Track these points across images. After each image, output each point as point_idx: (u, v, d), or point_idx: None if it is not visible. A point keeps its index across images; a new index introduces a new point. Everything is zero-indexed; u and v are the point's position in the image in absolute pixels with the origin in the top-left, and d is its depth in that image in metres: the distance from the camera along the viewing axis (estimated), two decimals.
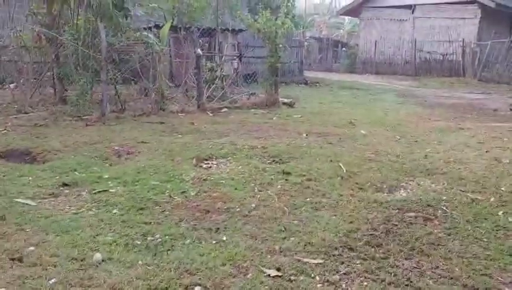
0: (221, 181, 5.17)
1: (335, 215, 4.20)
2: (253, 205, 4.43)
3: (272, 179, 5.29)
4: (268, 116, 9.77)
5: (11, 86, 11.09)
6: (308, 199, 4.64)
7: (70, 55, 9.32)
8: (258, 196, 4.74)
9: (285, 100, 11.48)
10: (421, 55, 24.39)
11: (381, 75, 24.21)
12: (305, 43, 25.78)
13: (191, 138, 7.26)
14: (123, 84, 10.43)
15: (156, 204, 4.46)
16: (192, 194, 4.77)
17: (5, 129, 7.45)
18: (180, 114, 9.60)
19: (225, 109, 10.30)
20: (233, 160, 6.10)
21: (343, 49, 28.99)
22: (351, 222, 4.05)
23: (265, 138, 7.39)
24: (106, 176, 5.22)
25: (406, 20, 25.55)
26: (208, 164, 6.03)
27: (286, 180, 5.24)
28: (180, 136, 7.50)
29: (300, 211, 4.33)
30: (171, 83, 12.65)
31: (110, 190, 4.80)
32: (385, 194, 4.91)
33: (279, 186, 5.03)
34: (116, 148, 6.54)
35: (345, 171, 5.54)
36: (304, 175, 5.39)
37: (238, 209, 4.33)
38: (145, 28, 12.32)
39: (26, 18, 10.87)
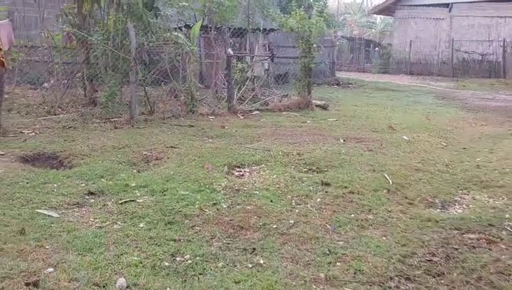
0: (255, 192, 4.78)
1: (385, 236, 3.73)
2: (292, 221, 4.02)
3: (310, 190, 4.86)
4: (302, 119, 9.33)
5: (43, 85, 11.02)
6: (352, 215, 4.18)
7: (100, 56, 9.10)
8: (296, 210, 4.32)
9: (319, 102, 11.01)
10: (458, 55, 23.43)
11: (416, 76, 23.37)
12: (337, 43, 25.18)
13: (222, 143, 6.91)
14: (152, 85, 10.20)
15: (186, 217, 4.10)
16: (224, 206, 4.39)
17: (33, 131, 7.27)
18: (210, 117, 9.28)
19: (256, 112, 9.93)
20: (267, 168, 5.70)
21: (376, 49, 28.18)
22: (404, 245, 3.57)
23: (299, 144, 6.97)
24: (133, 184, 4.90)
25: (443, 18, 24.60)
26: (240, 171, 5.66)
27: (326, 192, 4.80)
28: (210, 140, 7.16)
29: (345, 229, 3.88)
30: (201, 84, 12.38)
31: (137, 200, 4.48)
32: (438, 210, 4.41)
33: (318, 199, 4.59)
34: (145, 153, 6.24)
35: (391, 182, 5.05)
36: (346, 187, 4.93)
37: (275, 226, 3.92)
38: (175, 28, 12.04)
39: (56, 18, 10.75)
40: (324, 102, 11.10)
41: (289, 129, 8.13)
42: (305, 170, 5.69)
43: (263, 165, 5.79)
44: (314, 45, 10.40)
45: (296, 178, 5.23)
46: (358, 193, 4.76)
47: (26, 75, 11.56)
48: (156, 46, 10.15)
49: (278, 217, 4.13)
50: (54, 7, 11.34)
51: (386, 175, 5.32)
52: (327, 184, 5.03)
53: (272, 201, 4.52)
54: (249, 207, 4.36)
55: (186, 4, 11.04)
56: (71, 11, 10.34)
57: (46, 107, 9.32)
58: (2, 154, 5.88)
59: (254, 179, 5.28)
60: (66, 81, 10.36)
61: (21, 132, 7.11)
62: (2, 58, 6.24)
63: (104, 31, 9.38)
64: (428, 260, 3.34)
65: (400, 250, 3.48)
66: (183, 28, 12.76)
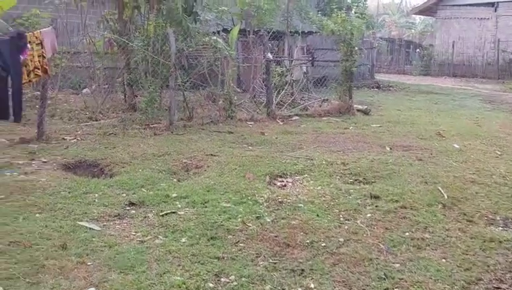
0: (300, 205, 4.55)
1: (445, 259, 3.43)
2: (341, 240, 3.77)
3: (358, 204, 4.59)
4: (344, 125, 9.02)
5: (84, 91, 11.19)
6: (407, 234, 3.89)
7: (140, 62, 9.11)
8: (345, 226, 4.06)
9: (360, 107, 10.66)
10: (504, 56, 22.37)
11: (460, 78, 22.49)
12: (376, 44, 24.57)
13: (262, 151, 6.72)
14: (190, 89, 10.16)
15: (229, 232, 3.92)
16: (268, 220, 4.19)
17: (75, 138, 7.31)
18: (248, 122, 9.11)
19: (296, 117, 9.69)
20: (311, 178, 5.46)
21: (417, 50, 27.31)
22: (467, 269, 3.26)
23: (343, 152, 6.69)
24: (174, 195, 4.77)
25: (488, 18, 23.58)
26: (282, 181, 5.45)
27: (376, 206, 4.52)
28: (250, 148, 6.98)
29: (400, 249, 3.60)
30: (238, 87, 12.25)
31: (178, 212, 4.34)
32: (500, 228, 4.05)
33: (368, 215, 4.32)
34: (184, 161, 6.14)
35: (446, 197, 4.71)
36: (397, 201, 4.63)
37: (323, 244, 3.69)
38: (214, 32, 11.98)
39: (98, 25, 10.88)
40: (366, 106, 10.73)
41: (331, 136, 7.85)
42: (351, 181, 5.42)
43: (306, 175, 5.56)
44: (356, 48, 10.06)
45: (343, 190, 4.97)
46: (411, 208, 4.45)
47: (68, 80, 11.77)
48: (195, 51, 10.11)
49: (326, 233, 3.89)
50: (95, 13, 11.49)
51: (439, 188, 4.98)
52: (376, 197, 4.75)
53: (318, 215, 4.28)
54: (294, 222, 4.14)
55: (225, 8, 10.96)
56: (112, 17, 10.45)
57: (87, 113, 9.42)
58: (45, 162, 5.91)
59: (298, 190, 5.06)
60: (106, 86, 10.47)
61: (63, 139, 7.15)
62: (45, 66, 6.28)
63: (144, 36, 9.39)
64: (496, 288, 3.02)
65: (463, 275, 3.17)
66: (222, 32, 12.70)
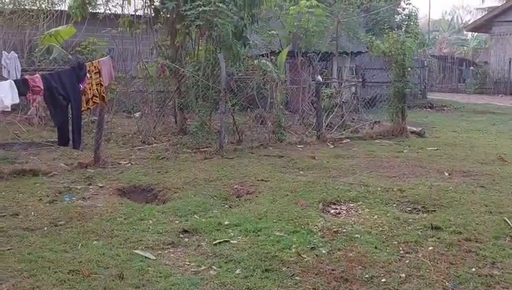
0: (356, 235, 4.39)
1: None
2: (403, 275, 3.57)
3: (418, 235, 4.37)
4: (398, 148, 8.73)
5: (137, 115, 11.52)
6: (473, 270, 3.64)
7: (191, 86, 9.30)
8: (406, 260, 3.86)
9: (414, 129, 10.31)
10: None
11: None
12: (426, 63, 23.92)
13: (314, 176, 6.59)
14: (239, 111, 10.24)
15: (283, 264, 3.82)
16: (324, 252, 4.05)
17: (129, 162, 7.49)
18: (298, 146, 9.02)
19: (347, 140, 9.49)
20: (366, 206, 5.28)
21: (471, 68, 26.34)
22: None
23: (399, 177, 6.45)
24: (226, 222, 4.74)
25: None
26: (336, 209, 5.30)
27: (438, 238, 4.28)
28: (301, 173, 6.88)
29: (467, 287, 3.37)
30: (286, 109, 12.21)
31: (231, 241, 4.30)
32: None
33: (430, 248, 4.09)
34: (236, 187, 6.12)
35: None
36: (460, 232, 4.38)
37: (383, 280, 3.51)
38: (262, 55, 12.09)
39: (151, 51, 11.25)
40: (420, 128, 10.38)
41: (385, 160, 7.61)
42: (409, 209, 5.19)
43: (361, 203, 5.38)
44: (409, 69, 9.79)
45: (401, 220, 4.76)
46: (476, 241, 4.18)
47: (122, 104, 12.18)
48: (244, 74, 10.21)
49: (386, 268, 3.71)
50: (148, 39, 11.90)
51: (506, 219, 4.67)
52: (437, 228, 4.50)
53: (376, 247, 4.10)
54: (351, 254, 3.99)
55: (275, 33, 11.03)
56: (164, 44, 10.78)
57: (140, 137, 9.67)
58: (102, 187, 6.07)
59: (353, 219, 4.89)
60: (158, 109, 10.75)
61: (118, 163, 7.35)
62: (103, 94, 6.52)
63: (195, 61, 9.60)
64: None
65: None
66: (269, 55, 12.78)
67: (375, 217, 4.89)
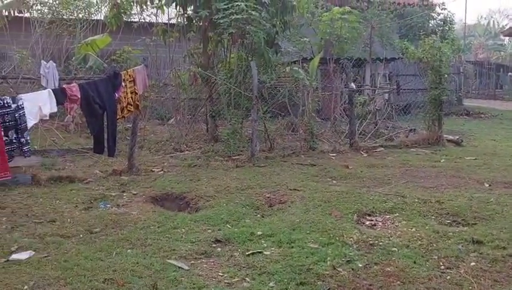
0: (394, 249, 4.25)
1: None
2: None
3: (459, 250, 4.20)
4: (434, 157, 8.48)
5: (170, 122, 11.65)
6: None
7: (223, 94, 9.32)
8: (447, 276, 3.70)
9: (451, 137, 10.01)
10: None
11: None
12: (462, 69, 23.29)
13: (348, 186, 6.47)
14: (271, 118, 10.20)
15: (318, 277, 3.73)
16: (360, 265, 3.93)
17: (162, 169, 7.55)
18: (331, 154, 8.90)
19: (381, 148, 9.30)
20: (403, 218, 5.12)
21: (509, 74, 25.46)
22: None
23: (437, 188, 6.24)
24: (259, 233, 4.69)
25: None
26: (372, 220, 5.16)
27: (480, 253, 4.10)
28: (334, 182, 6.76)
29: None
30: (318, 116, 12.10)
31: (265, 252, 4.24)
32: None
33: (472, 263, 3.91)
34: (268, 195, 6.06)
35: None
36: (504, 247, 4.18)
37: None
38: (294, 62, 12.03)
39: (184, 59, 11.37)
40: (457, 137, 10.06)
41: (421, 169, 7.40)
42: (449, 222, 5.00)
43: (398, 215, 5.22)
44: (446, 75, 9.52)
45: (440, 233, 4.58)
46: None
47: (155, 111, 12.35)
48: (276, 81, 10.17)
49: (426, 284, 3.56)
50: (180, 46, 12.05)
51: None
52: (479, 242, 4.31)
53: (415, 262, 3.96)
54: (388, 269, 3.85)
55: (307, 39, 10.96)
56: (197, 52, 10.87)
57: (172, 144, 9.76)
58: (135, 194, 6.14)
59: (389, 231, 4.74)
60: (189, 116, 10.84)
61: (151, 171, 7.42)
62: (137, 102, 6.60)
63: (227, 69, 9.63)
64: None
65: None
66: (301, 62, 12.71)
67: (413, 229, 4.73)
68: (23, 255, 4.02)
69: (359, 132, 9.99)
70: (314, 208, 5.46)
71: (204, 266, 3.98)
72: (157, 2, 10.72)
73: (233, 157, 8.35)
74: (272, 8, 9.63)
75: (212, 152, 8.75)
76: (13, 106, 4.30)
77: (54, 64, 8.37)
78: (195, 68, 10.29)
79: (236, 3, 8.70)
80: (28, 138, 4.47)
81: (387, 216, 5.22)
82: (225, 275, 3.79)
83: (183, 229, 4.79)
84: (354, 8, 12.68)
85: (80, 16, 12.72)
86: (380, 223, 5.05)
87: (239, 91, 9.11)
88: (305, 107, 9.44)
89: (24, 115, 4.37)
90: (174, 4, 9.92)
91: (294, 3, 10.18)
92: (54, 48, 12.08)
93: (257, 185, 6.53)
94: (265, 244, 4.41)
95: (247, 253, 4.21)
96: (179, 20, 10.48)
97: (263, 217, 5.31)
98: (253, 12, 8.73)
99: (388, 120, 11.53)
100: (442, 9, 20.16)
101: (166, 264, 3.94)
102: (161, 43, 11.44)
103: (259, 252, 4.22)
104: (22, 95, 4.62)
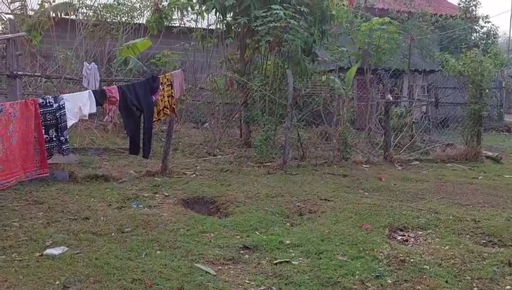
0: (425, 266, 4.11)
1: None
2: None
3: (494, 272, 4.02)
4: (472, 174, 8.20)
5: (204, 126, 11.75)
6: None
7: (258, 100, 9.34)
8: None
9: (489, 153, 9.66)
10: None
11: None
12: (504, 83, 22.41)
13: (380, 199, 6.34)
14: (304, 126, 10.13)
15: None
16: (390, 282, 3.83)
17: (194, 173, 7.62)
18: (364, 165, 8.76)
19: (416, 162, 9.08)
20: (436, 235, 4.96)
21: None
22: None
23: (473, 206, 6.02)
24: (287, 242, 4.65)
25: None
26: (404, 236, 5.03)
27: None
28: (366, 194, 6.64)
29: None
30: (352, 126, 11.95)
31: (292, 262, 4.19)
32: None
33: (508, 287, 3.75)
34: (298, 204, 6.01)
35: None
36: None
37: None
38: (330, 71, 11.94)
39: (221, 64, 11.49)
40: (496, 153, 9.69)
41: (457, 186, 7.17)
42: (484, 242, 4.81)
43: (431, 231, 5.07)
44: (487, 90, 9.21)
45: (475, 253, 4.40)
46: None
47: (190, 114, 12.50)
48: (311, 89, 10.11)
49: None
50: (218, 52, 12.18)
51: None
52: None
53: (447, 282, 3.82)
54: (419, 287, 3.73)
55: (345, 49, 10.85)
56: (234, 57, 10.96)
57: (205, 148, 9.85)
58: (167, 196, 6.21)
59: (422, 248, 4.60)
60: (224, 121, 10.91)
61: (184, 173, 7.51)
62: (173, 106, 6.69)
63: (263, 76, 9.65)
64: None
65: None
66: (337, 71, 12.59)
67: (446, 247, 4.57)
68: (57, 251, 4.13)
69: (394, 144, 9.80)
70: (345, 219, 5.38)
71: (231, 272, 3.97)
72: (198, 8, 10.89)
73: (265, 164, 8.35)
74: (310, 17, 9.60)
75: (244, 157, 8.77)
76: (55, 105, 4.42)
77: (96, 65, 8.60)
78: (232, 74, 10.38)
79: (275, 11, 8.73)
80: (68, 137, 4.59)
81: (420, 232, 5.07)
82: (251, 283, 3.77)
83: (212, 234, 4.81)
84: (394, 18, 12.46)
85: (123, 19, 13.04)
86: (412, 239, 4.91)
87: (274, 98, 9.11)
88: (340, 117, 9.32)
89: (65, 114, 4.50)
90: (214, 11, 10.05)
91: (333, 12, 10.12)
92: (97, 50, 12.43)
93: (288, 193, 6.50)
94: (293, 254, 4.37)
95: (274, 261, 4.18)
96: (218, 27, 10.61)
97: (292, 226, 5.27)
98: (292, 21, 8.73)
99: (425, 133, 11.25)
100: (485, 22, 19.58)
101: (193, 268, 3.96)
102: (199, 48, 11.62)
103: (287, 262, 4.19)
104: (64, 95, 4.76)
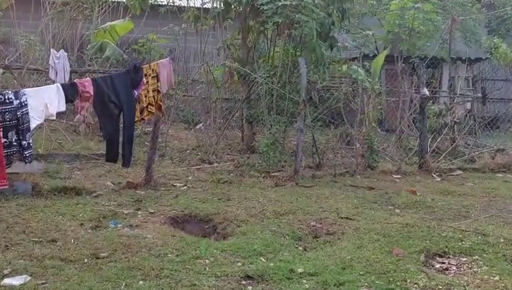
0: None
1: None
2: None
3: None
4: None
5: (197, 127, 11.79)
6: None
7: (264, 96, 9.37)
8: None
9: None
10: None
11: None
12: None
13: (414, 217, 6.37)
14: (321, 128, 10.16)
15: None
16: None
17: (185, 184, 7.66)
18: (394, 175, 8.83)
19: (458, 171, 9.20)
20: (484, 262, 4.97)
21: None
22: None
23: None
24: (300, 270, 4.66)
25: None
26: (444, 263, 5.05)
27: None
28: (397, 211, 6.69)
29: None
30: (380, 127, 11.98)
31: None
32: None
33: None
34: (313, 224, 6.05)
35: None
36: None
37: None
38: (352, 59, 11.98)
39: (218, 51, 11.54)
40: None
41: (510, 201, 7.23)
42: None
43: (477, 258, 5.07)
44: None
45: None
46: None
47: (180, 113, 12.56)
48: (329, 82, 10.14)
49: None
50: (215, 36, 12.22)
51: None
52: None
53: None
54: None
55: (370, 32, 10.89)
56: (234, 43, 11.01)
57: (199, 154, 9.90)
58: (152, 213, 6.24)
59: (466, 278, 4.60)
60: (221, 120, 10.94)
61: (172, 185, 7.56)
62: (160, 102, 6.72)
63: (270, 66, 9.68)
64: None
65: None
66: (360, 59, 12.64)
67: (496, 278, 4.58)
68: (17, 280, 4.14)
69: (432, 149, 9.87)
70: (371, 243, 5.40)
71: None
72: None
73: (273, 174, 8.39)
74: None
75: (246, 166, 8.81)
76: (15, 102, 4.46)
77: (66, 53, 8.68)
78: (232, 63, 10.42)
79: None
80: (31, 141, 4.63)
81: (464, 259, 5.09)
82: None
83: (207, 260, 4.82)
84: None
85: None
86: (454, 268, 4.94)
87: (283, 93, 9.13)
88: (364, 116, 9.37)
89: (27, 113, 4.53)
90: None
91: None
92: (67, 34, 12.51)
93: (300, 209, 6.53)
94: (307, 285, 4.39)
95: None
96: (215, 5, 10.67)
97: (306, 250, 5.30)
98: None
99: (469, 136, 11.27)
100: None
101: None
102: (192, 32, 11.67)
103: None
104: (27, 89, 4.80)
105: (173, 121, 11.59)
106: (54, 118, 5.41)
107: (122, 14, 13.00)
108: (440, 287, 4.37)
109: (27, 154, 4.57)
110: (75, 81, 5.63)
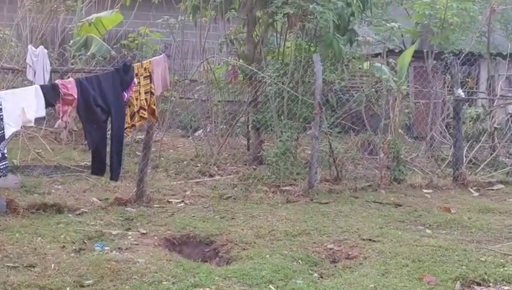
0: None
1: None
2: None
3: None
4: None
5: (196, 134, 11.83)
6: None
7: (273, 98, 9.40)
8: None
9: None
10: None
11: None
12: None
13: (448, 239, 6.38)
14: (339, 135, 10.17)
15: None
16: None
17: (182, 201, 7.70)
18: (425, 190, 8.82)
19: (500, 185, 9.19)
20: None
21: None
22: None
23: None
24: None
25: None
26: None
27: None
28: (428, 232, 6.69)
29: None
30: (407, 134, 11.99)
31: None
32: None
33: None
34: (330, 247, 6.07)
35: None
36: None
37: None
38: (375, 56, 11.99)
39: (220, 47, 11.58)
40: None
41: None
42: None
43: None
44: None
45: None
46: None
47: (177, 118, 12.60)
48: (349, 82, 10.16)
49: None
50: (216, 30, 12.29)
51: None
52: None
53: None
54: None
55: (396, 25, 10.90)
56: (238, 37, 11.05)
57: (199, 165, 9.92)
58: (144, 234, 6.28)
59: None
60: (224, 126, 10.97)
61: (168, 201, 7.60)
62: (153, 106, 6.75)
63: (280, 64, 9.70)
64: None
65: None
66: (385, 55, 12.64)
67: None
68: None
69: (468, 159, 9.85)
70: (398, 268, 5.41)
71: None
72: None
73: (283, 188, 8.42)
74: None
75: (253, 179, 8.81)
76: None
77: (45, 50, 8.74)
78: (236, 60, 10.46)
79: None
80: (5, 151, 4.66)
81: (506, 288, 5.08)
82: None
83: (207, 289, 4.83)
84: None
85: None
86: None
87: (295, 94, 9.15)
88: (390, 121, 9.37)
89: (1, 119, 4.57)
90: None
91: None
92: (46, 28, 12.60)
93: (315, 229, 6.55)
94: None
95: None
96: None
97: (322, 277, 5.31)
98: None
99: None
100: None
101: None
102: (190, 25, 11.72)
103: None
104: (1, 92, 4.84)
105: (168, 127, 11.66)
106: (32, 124, 5.47)
107: (110, 4, 13.11)
108: None
109: (1, 167, 4.61)
110: (56, 82, 5.67)
